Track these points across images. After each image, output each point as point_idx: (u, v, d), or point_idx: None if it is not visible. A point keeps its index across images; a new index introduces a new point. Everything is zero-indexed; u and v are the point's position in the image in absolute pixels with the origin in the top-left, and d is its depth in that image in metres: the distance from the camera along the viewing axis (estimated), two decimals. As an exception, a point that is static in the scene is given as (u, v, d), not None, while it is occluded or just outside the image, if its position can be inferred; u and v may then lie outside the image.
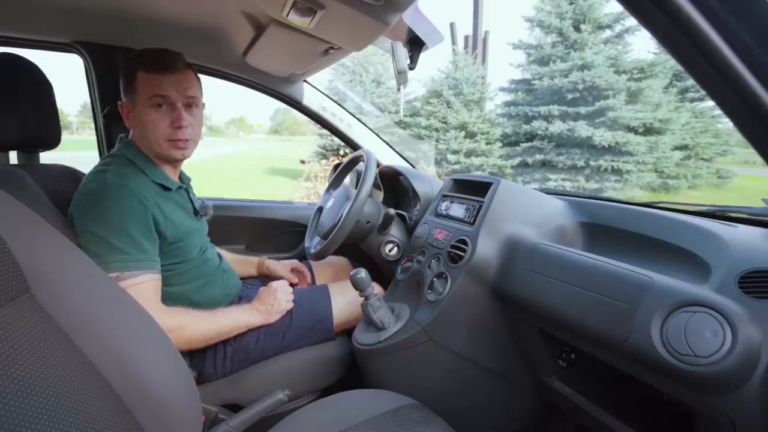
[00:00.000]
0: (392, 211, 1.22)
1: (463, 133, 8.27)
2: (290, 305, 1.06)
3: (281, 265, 1.31)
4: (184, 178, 1.09)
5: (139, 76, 0.91)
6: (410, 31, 1.00)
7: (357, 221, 1.16)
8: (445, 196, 1.17)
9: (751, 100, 0.40)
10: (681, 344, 0.56)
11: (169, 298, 0.94)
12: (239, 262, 1.31)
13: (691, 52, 0.40)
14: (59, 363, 0.43)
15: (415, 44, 1.05)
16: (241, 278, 1.23)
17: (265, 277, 1.31)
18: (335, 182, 1.43)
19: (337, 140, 4.70)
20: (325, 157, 9.30)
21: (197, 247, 1.03)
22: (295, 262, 1.33)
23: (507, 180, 1.04)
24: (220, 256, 1.15)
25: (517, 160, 8.30)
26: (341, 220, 1.14)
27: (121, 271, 0.83)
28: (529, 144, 8.13)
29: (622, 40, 8.23)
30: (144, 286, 0.85)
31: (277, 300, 1.04)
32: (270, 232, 1.61)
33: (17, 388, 0.38)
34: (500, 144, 8.50)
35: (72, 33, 1.26)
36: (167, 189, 0.97)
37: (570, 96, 7.61)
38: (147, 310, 0.77)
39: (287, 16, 0.86)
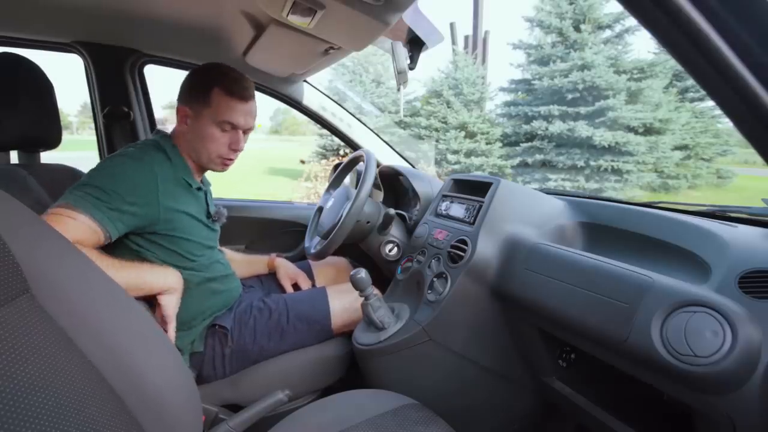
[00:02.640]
0: (392, 211, 1.22)
1: (463, 133, 8.27)
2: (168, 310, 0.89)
3: (283, 270, 1.29)
4: (204, 181, 1.10)
5: (216, 94, 0.94)
6: (410, 31, 1.00)
7: (357, 221, 1.16)
8: (445, 196, 1.17)
9: (751, 100, 0.40)
10: (681, 344, 0.56)
11: None
12: (251, 262, 1.32)
13: (691, 52, 0.40)
14: (59, 363, 0.43)
15: (415, 44, 1.05)
16: (242, 278, 1.23)
17: (263, 278, 1.31)
18: (335, 182, 1.43)
19: (337, 140, 4.70)
20: (325, 157, 9.30)
21: (204, 249, 1.02)
22: (299, 276, 1.30)
23: (507, 180, 1.03)
24: (224, 262, 1.13)
25: (517, 160, 8.30)
26: (341, 220, 1.14)
27: (70, 201, 0.80)
28: (529, 144, 8.13)
29: (622, 40, 8.23)
30: (76, 223, 0.79)
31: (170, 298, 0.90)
32: (270, 232, 1.61)
33: (17, 388, 0.38)
34: (500, 144, 8.50)
35: (72, 33, 1.26)
36: (188, 183, 0.98)
37: (570, 96, 7.61)
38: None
39: (287, 16, 0.86)
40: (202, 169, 1.04)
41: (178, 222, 0.94)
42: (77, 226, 0.79)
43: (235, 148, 1.00)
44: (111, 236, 0.83)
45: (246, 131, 1.01)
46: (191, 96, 0.97)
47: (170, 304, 0.87)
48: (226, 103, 0.95)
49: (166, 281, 0.88)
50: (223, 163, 1.02)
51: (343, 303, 1.12)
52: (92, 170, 0.88)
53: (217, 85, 0.94)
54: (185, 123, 0.98)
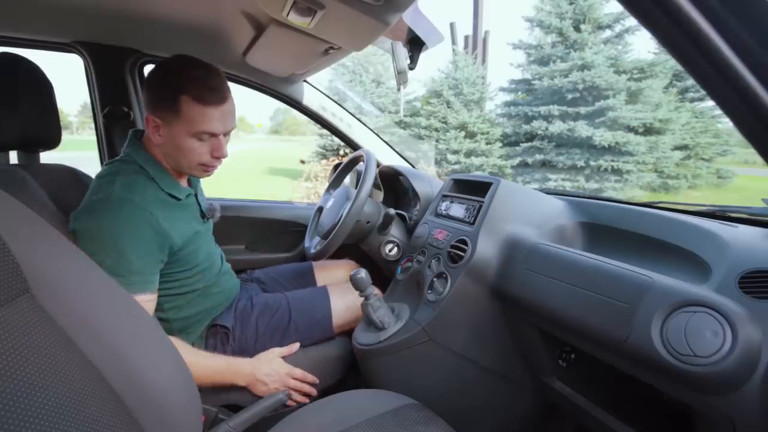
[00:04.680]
0: (392, 211, 1.22)
1: (463, 133, 8.27)
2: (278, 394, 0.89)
3: None
4: (193, 182, 1.05)
5: (185, 103, 0.82)
6: (410, 31, 1.00)
7: (357, 221, 1.16)
8: (445, 196, 1.17)
9: (751, 100, 0.40)
10: (681, 344, 0.56)
11: (175, 306, 0.94)
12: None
13: (691, 52, 0.40)
14: (59, 363, 0.43)
15: (415, 44, 1.05)
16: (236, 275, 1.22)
17: (262, 282, 1.31)
18: (335, 182, 1.43)
19: (337, 140, 4.70)
20: (325, 157, 9.31)
21: (203, 253, 1.01)
22: None
23: (507, 180, 1.03)
24: (221, 258, 1.14)
25: (517, 160, 8.30)
26: (341, 220, 1.14)
27: None
28: (529, 144, 8.13)
29: (622, 40, 8.23)
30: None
31: (272, 379, 0.96)
32: (270, 232, 1.61)
33: (17, 388, 0.38)
34: (500, 144, 8.50)
35: (72, 33, 1.26)
36: (176, 198, 0.93)
37: (570, 96, 7.61)
38: None
39: (287, 16, 0.86)
40: (184, 176, 0.98)
41: (180, 239, 0.92)
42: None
43: (217, 156, 0.90)
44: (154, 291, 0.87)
45: (227, 133, 0.91)
46: (158, 105, 0.85)
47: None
48: (199, 112, 0.83)
49: (235, 380, 0.94)
50: (206, 170, 0.93)
51: (345, 301, 1.12)
52: (95, 239, 0.79)
53: (184, 92, 0.82)
54: (158, 134, 0.87)
